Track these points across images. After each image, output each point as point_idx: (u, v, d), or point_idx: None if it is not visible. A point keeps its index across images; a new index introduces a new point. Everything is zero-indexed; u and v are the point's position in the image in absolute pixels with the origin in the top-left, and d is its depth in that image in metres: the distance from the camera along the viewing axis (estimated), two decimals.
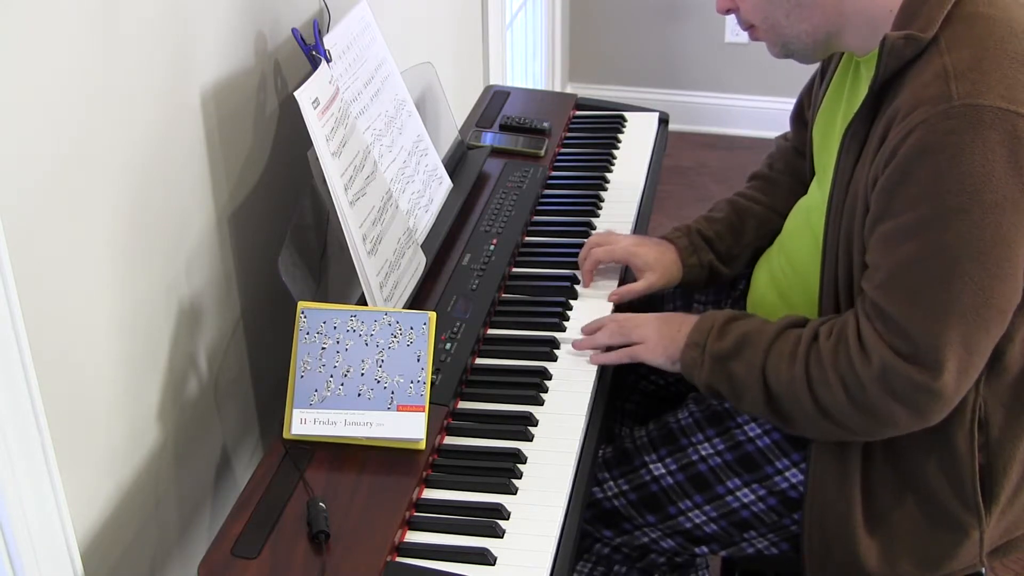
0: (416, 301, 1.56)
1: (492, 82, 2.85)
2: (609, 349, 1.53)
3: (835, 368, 1.35)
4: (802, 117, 1.77)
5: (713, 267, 1.70)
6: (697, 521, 1.52)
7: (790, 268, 1.56)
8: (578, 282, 1.68)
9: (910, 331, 1.29)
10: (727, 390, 1.44)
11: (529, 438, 1.38)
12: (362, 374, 1.33)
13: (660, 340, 1.49)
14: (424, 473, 1.30)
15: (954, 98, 1.24)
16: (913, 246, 1.28)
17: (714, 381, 1.44)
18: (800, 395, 1.37)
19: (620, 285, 1.68)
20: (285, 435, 1.32)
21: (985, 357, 1.32)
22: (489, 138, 2.03)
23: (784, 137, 1.84)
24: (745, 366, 1.41)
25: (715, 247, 1.71)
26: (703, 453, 1.52)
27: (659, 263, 1.67)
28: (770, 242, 1.68)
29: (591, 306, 1.63)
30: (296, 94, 1.38)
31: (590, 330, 1.55)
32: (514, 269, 1.72)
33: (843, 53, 1.50)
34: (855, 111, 1.37)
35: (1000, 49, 1.26)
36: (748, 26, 1.46)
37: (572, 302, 1.64)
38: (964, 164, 1.23)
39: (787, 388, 1.38)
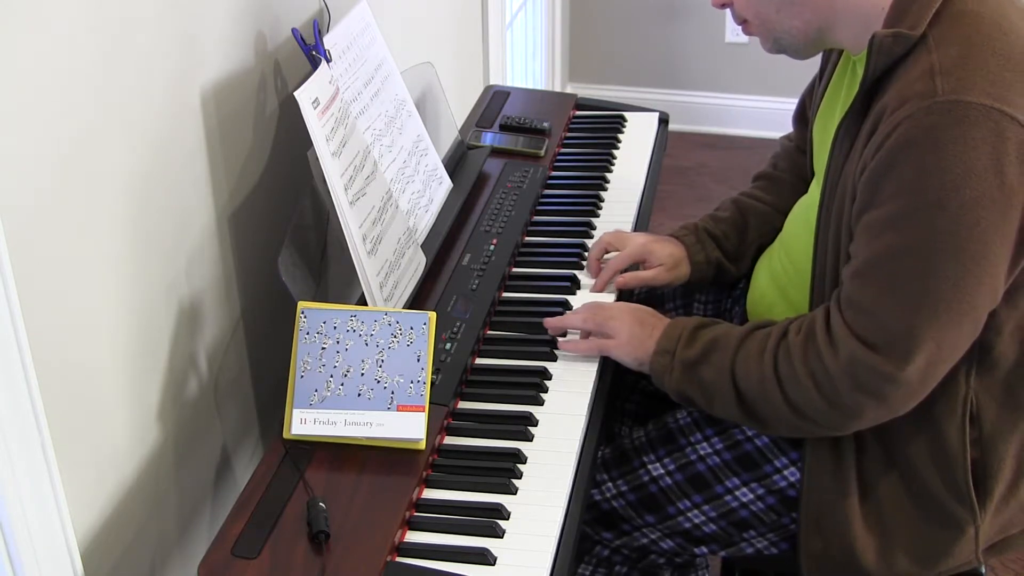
0: (416, 301, 1.56)
1: (492, 82, 2.85)
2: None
3: (804, 363, 1.35)
4: (804, 117, 1.77)
5: (720, 264, 1.71)
6: (696, 521, 1.53)
7: (791, 265, 1.57)
8: (578, 282, 1.68)
9: (883, 321, 1.30)
10: (698, 396, 1.44)
11: (529, 438, 1.38)
12: (362, 374, 1.33)
13: (631, 340, 1.49)
14: (424, 473, 1.30)
15: (939, 94, 1.24)
16: (892, 237, 1.28)
17: (684, 387, 1.45)
18: (770, 393, 1.38)
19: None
20: (285, 435, 1.32)
21: (956, 352, 1.33)
22: (489, 138, 2.03)
23: (788, 137, 1.84)
24: (714, 370, 1.42)
25: (722, 245, 1.72)
26: (701, 453, 1.52)
27: (671, 259, 1.68)
28: (772, 240, 1.68)
29: None
30: (296, 94, 1.38)
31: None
32: (514, 269, 1.72)
33: (842, 53, 1.51)
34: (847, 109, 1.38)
35: (987, 47, 1.27)
36: (741, 20, 1.47)
37: (572, 302, 1.64)
38: (946, 159, 1.24)
39: (757, 387, 1.39)
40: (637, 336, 1.49)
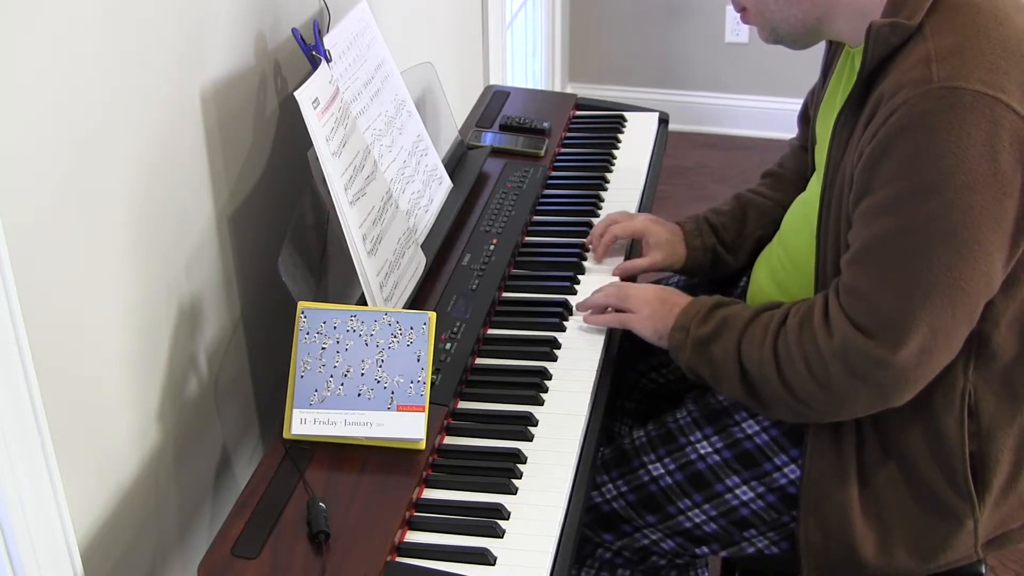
0: (416, 301, 1.56)
1: (492, 82, 2.86)
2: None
3: (799, 345, 1.36)
4: (807, 116, 1.78)
5: (716, 252, 1.73)
6: (697, 520, 1.53)
7: (789, 261, 1.57)
8: (578, 282, 1.69)
9: (876, 305, 1.30)
10: (708, 373, 1.46)
11: (529, 438, 1.38)
12: (362, 374, 1.33)
13: (652, 316, 1.52)
14: (424, 473, 1.30)
15: (934, 80, 1.25)
16: (886, 221, 1.29)
17: (695, 364, 1.47)
18: (768, 374, 1.39)
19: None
20: (285, 435, 1.32)
21: (951, 342, 1.33)
22: (489, 138, 2.03)
23: (796, 138, 1.86)
24: (722, 349, 1.44)
25: (720, 235, 1.74)
26: (701, 452, 1.53)
27: (668, 243, 1.72)
28: (773, 233, 1.69)
29: None
30: (296, 94, 1.38)
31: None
32: (514, 269, 1.72)
33: (843, 50, 1.51)
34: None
35: (983, 36, 1.28)
36: (740, 8, 1.49)
37: (572, 302, 1.64)
38: (940, 144, 1.24)
39: (757, 367, 1.40)
40: (658, 311, 1.52)
